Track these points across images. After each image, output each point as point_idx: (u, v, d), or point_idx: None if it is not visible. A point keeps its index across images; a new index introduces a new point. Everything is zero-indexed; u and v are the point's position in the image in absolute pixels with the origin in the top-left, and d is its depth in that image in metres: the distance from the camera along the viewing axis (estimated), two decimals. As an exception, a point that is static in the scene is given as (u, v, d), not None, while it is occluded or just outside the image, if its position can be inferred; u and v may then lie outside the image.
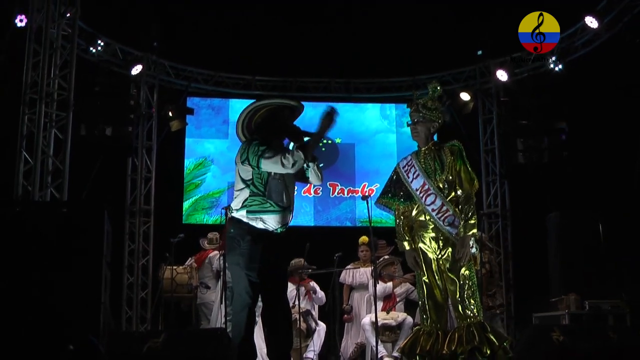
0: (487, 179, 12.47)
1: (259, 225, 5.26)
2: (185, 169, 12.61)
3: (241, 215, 5.31)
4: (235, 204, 5.37)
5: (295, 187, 5.61)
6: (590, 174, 11.03)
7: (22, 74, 9.27)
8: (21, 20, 9.57)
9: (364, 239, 9.35)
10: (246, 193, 5.33)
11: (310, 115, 12.09)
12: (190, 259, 9.95)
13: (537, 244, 10.79)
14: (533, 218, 11.17)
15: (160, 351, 6.38)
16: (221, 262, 9.22)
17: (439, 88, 5.77)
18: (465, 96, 11.98)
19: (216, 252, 9.69)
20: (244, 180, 5.36)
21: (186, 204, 12.53)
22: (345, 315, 9.28)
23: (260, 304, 5.47)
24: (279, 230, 5.31)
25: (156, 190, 12.18)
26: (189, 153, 12.74)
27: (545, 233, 10.51)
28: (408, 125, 5.73)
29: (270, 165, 5.21)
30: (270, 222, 5.26)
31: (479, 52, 12.30)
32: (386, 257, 9.18)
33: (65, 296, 5.83)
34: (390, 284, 9.07)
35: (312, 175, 5.45)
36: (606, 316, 8.71)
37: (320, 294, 9.25)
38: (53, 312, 5.75)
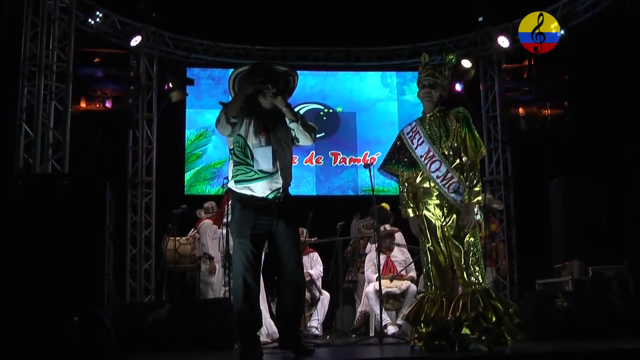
0: (489, 146, 12.41)
1: (247, 192, 5.23)
2: (186, 139, 12.58)
3: (232, 185, 5.33)
4: (229, 174, 5.39)
5: (291, 151, 5.47)
6: (592, 140, 11.02)
7: (21, 46, 9.22)
8: (18, -8, 9.51)
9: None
10: (232, 163, 5.35)
11: (310, 84, 12.20)
12: (192, 229, 9.95)
13: (539, 211, 10.80)
14: (536, 185, 11.16)
15: (165, 322, 6.43)
16: (214, 231, 9.32)
17: (454, 59, 5.73)
18: (466, 63, 11.92)
19: (207, 221, 9.71)
20: (229, 150, 5.38)
21: (188, 175, 12.52)
22: None
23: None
24: (270, 197, 5.22)
25: (157, 162, 12.18)
26: (190, 124, 12.70)
27: (548, 200, 10.52)
28: (421, 86, 5.63)
29: (219, 127, 5.25)
30: (257, 189, 5.21)
31: (480, 19, 12.22)
32: (387, 227, 9.14)
33: (69, 269, 5.83)
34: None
35: (299, 134, 5.34)
36: (609, 282, 8.73)
37: (314, 270, 9.24)
38: (57, 284, 5.75)
